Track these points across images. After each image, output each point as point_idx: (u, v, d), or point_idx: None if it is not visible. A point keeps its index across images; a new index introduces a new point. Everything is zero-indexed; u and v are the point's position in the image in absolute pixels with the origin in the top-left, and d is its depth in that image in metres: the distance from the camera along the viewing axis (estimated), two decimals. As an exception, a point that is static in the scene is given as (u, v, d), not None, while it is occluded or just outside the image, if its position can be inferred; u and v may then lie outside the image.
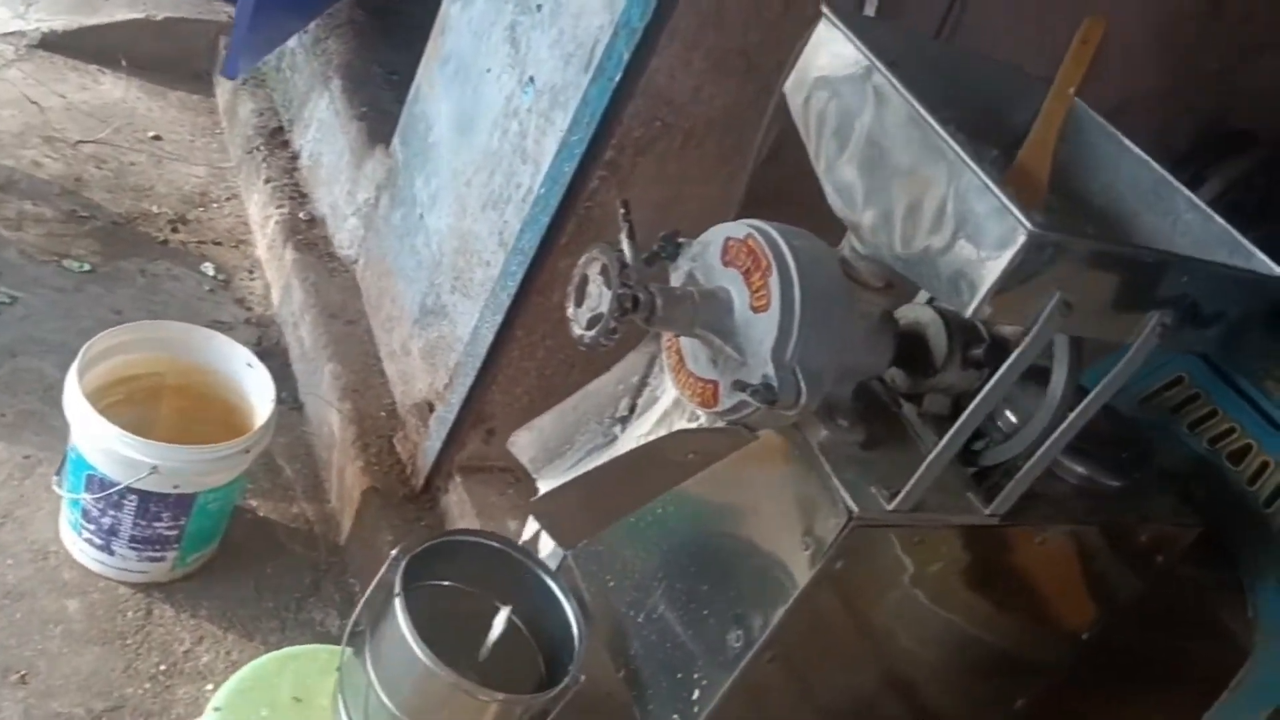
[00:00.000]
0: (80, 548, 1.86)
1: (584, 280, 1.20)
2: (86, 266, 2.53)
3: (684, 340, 1.31)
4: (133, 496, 1.73)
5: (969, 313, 1.08)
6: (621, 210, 1.27)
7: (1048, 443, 1.29)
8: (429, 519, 2.05)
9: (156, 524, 1.78)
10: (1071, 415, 1.26)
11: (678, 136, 1.72)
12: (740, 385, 1.17)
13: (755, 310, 1.21)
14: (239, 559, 2.01)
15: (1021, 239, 1.03)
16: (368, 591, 1.52)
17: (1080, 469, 1.57)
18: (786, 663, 1.41)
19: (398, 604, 1.44)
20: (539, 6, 1.89)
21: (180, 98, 3.33)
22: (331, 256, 2.63)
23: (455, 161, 2.14)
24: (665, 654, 1.57)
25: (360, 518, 2.07)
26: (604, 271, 1.17)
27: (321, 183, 2.78)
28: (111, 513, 1.76)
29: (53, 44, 3.22)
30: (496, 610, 1.66)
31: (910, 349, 1.41)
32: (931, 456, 1.23)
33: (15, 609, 1.78)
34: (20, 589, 1.80)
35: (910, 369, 1.44)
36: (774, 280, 1.19)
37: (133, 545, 1.81)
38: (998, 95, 1.49)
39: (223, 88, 3.31)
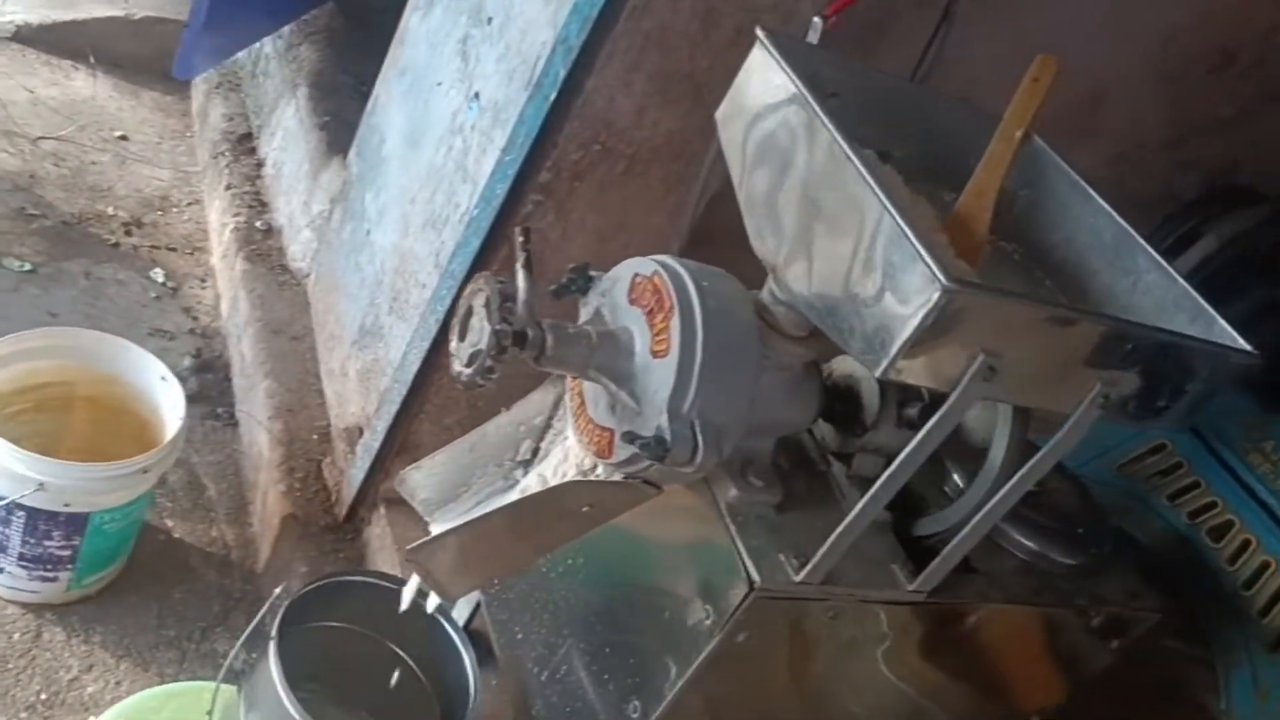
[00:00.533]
0: (-31, 563, 1.75)
1: (468, 312, 1.09)
2: (27, 266, 2.44)
3: (586, 384, 1.20)
4: (20, 513, 1.63)
5: (879, 372, 0.97)
6: (520, 238, 1.16)
7: (977, 517, 1.18)
8: (349, 551, 1.93)
9: (47, 542, 1.67)
10: (1002, 490, 1.15)
11: (619, 162, 1.62)
12: (630, 437, 1.07)
13: (655, 355, 1.10)
14: (144, 582, 1.90)
15: (935, 294, 0.92)
16: (247, 630, 1.41)
17: (1030, 544, 1.46)
18: (686, 739, 1.29)
19: (271, 650, 1.33)
20: (490, 20, 1.79)
21: (154, 98, 3.25)
22: (284, 269, 2.53)
23: (403, 177, 2.05)
24: (565, 717, 1.45)
25: (278, 546, 1.96)
26: (487, 304, 1.06)
27: (281, 192, 2.70)
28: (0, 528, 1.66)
29: (26, 37, 3.15)
30: (391, 654, 1.55)
31: (840, 404, 1.30)
32: (842, 526, 1.12)
33: (-108, 624, 1.67)
34: (-102, 605, 1.70)
35: (840, 426, 1.33)
36: (675, 324, 1.08)
37: (22, 564, 1.70)
38: (956, 135, 1.39)
39: (197, 90, 3.23)
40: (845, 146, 1.03)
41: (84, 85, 3.15)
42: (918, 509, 1.36)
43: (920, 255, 0.93)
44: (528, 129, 1.57)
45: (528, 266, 1.15)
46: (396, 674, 1.51)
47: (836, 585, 1.20)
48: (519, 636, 1.60)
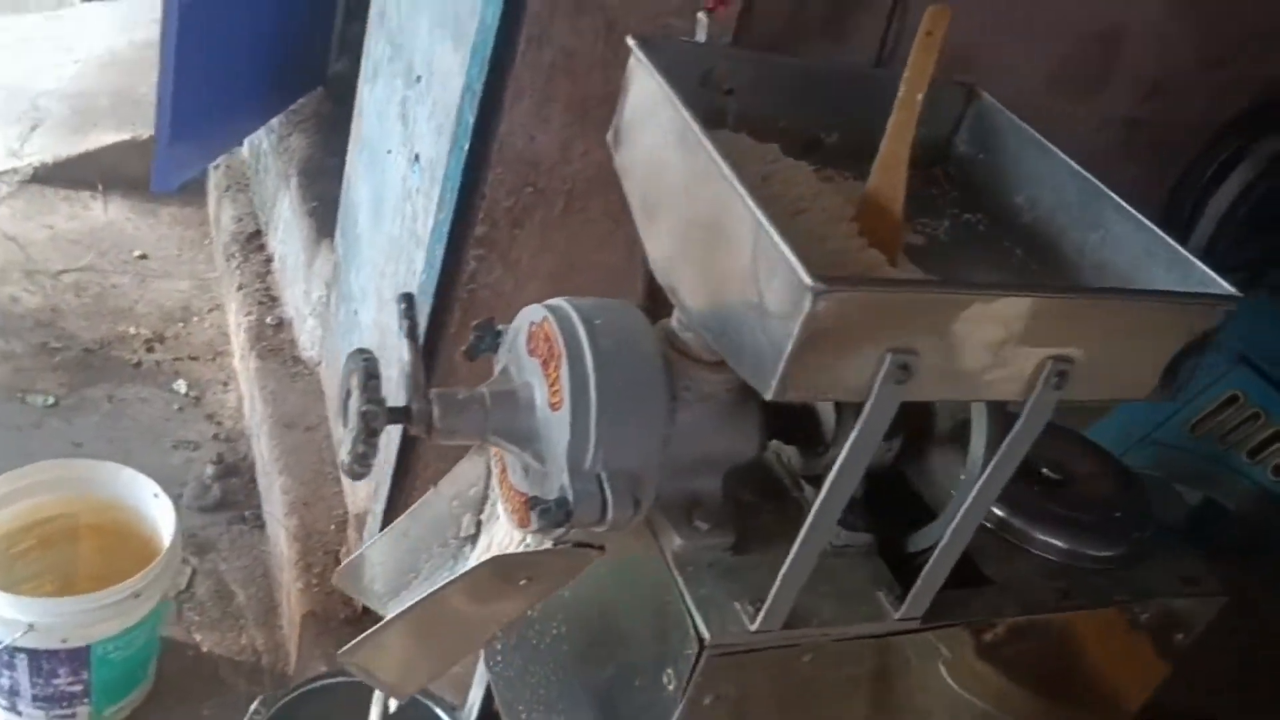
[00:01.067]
0: (-8, 710, 1.75)
1: (347, 394, 1.01)
2: (50, 400, 2.48)
3: (504, 447, 1.11)
4: (21, 655, 1.61)
5: (770, 395, 0.85)
6: (401, 305, 1.08)
7: (949, 529, 1.04)
8: (370, 642, 1.87)
9: (55, 680, 1.65)
10: (969, 498, 1.01)
11: (557, 201, 1.54)
12: (533, 503, 0.97)
13: (553, 409, 1.00)
14: (172, 702, 1.88)
15: (806, 299, 0.80)
16: (228, 753, 1.35)
17: (1057, 541, 1.31)
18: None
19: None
20: (419, 78, 1.74)
21: (171, 213, 3.31)
22: (296, 360, 2.52)
23: (372, 251, 2.00)
24: (570, 802, 1.35)
25: (301, 645, 1.91)
26: (358, 384, 0.98)
27: (287, 284, 2.69)
28: (7, 673, 1.65)
29: (44, 176, 3.25)
30: (393, 756, 1.48)
31: (797, 424, 1.18)
32: (787, 565, 1.00)
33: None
34: (-74, 760, 1.70)
35: (801, 447, 1.21)
36: (564, 371, 0.98)
37: (38, 705, 1.69)
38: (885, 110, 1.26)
39: (210, 196, 3.28)
40: (710, 145, 0.92)
41: (102, 212, 3.23)
42: (913, 523, 1.23)
43: (785, 256, 0.81)
44: (454, 183, 1.50)
45: (411, 336, 1.07)
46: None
47: (806, 626, 1.07)
48: (522, 715, 1.50)
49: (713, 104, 1.16)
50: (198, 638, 2.01)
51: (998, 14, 2.40)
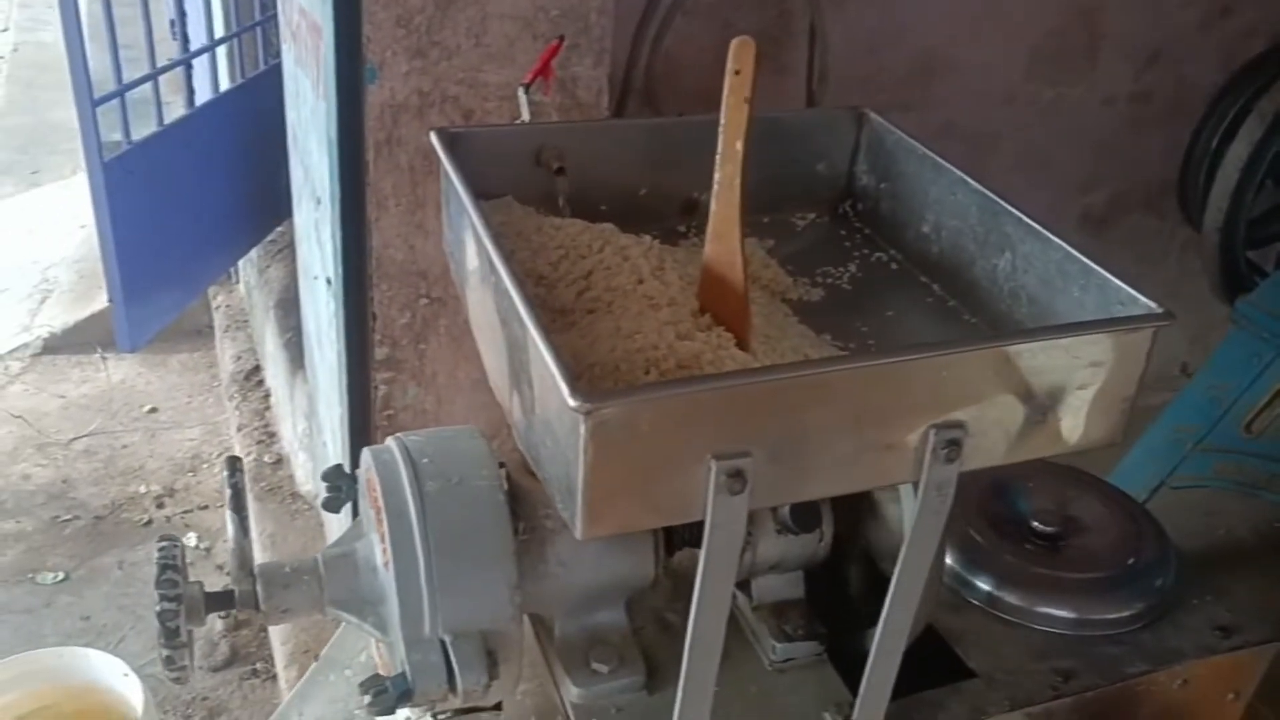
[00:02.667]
0: None
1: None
2: (60, 575, 2.44)
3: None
4: None
5: (580, 534, 0.71)
6: (226, 472, 0.97)
7: (876, 640, 0.88)
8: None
9: None
10: (889, 595, 0.85)
11: (459, 309, 1.42)
12: (365, 686, 0.83)
13: (386, 568, 0.87)
14: None
15: (581, 424, 0.66)
16: None
17: (1060, 612, 1.12)
18: None
19: None
20: (319, 200, 1.66)
21: (181, 360, 3.30)
22: (295, 496, 2.44)
23: (324, 379, 1.92)
24: None
25: (307, 809, 1.79)
26: (155, 581, 0.86)
27: (281, 419, 2.63)
28: None
29: (55, 346, 3.28)
30: None
31: (701, 530, 1.02)
32: (678, 706, 0.84)
33: None
34: None
35: (718, 551, 1.05)
36: (386, 524, 0.85)
37: None
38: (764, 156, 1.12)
39: (217, 336, 3.27)
40: (484, 232, 0.80)
41: (113, 371, 3.24)
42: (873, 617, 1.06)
43: (550, 370, 0.67)
44: (343, 305, 1.40)
45: (235, 507, 0.96)
46: None
47: (737, 769, 0.91)
48: None
49: (549, 187, 1.04)
50: (207, 811, 1.91)
51: (969, 13, 2.24)
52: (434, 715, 0.92)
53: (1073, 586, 1.13)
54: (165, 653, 0.85)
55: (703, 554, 0.75)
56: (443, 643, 0.84)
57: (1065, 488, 1.26)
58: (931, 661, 1.08)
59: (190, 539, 2.58)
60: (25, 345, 3.27)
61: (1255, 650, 1.12)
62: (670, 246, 1.02)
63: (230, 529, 0.94)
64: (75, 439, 2.92)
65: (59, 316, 3.35)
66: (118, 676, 1.72)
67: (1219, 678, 1.13)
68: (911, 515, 0.87)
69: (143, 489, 2.74)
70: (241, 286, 3.25)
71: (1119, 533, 1.21)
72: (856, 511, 1.06)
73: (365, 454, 0.94)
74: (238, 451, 2.71)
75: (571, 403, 0.65)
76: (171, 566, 0.86)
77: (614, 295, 0.91)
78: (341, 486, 1.02)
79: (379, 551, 0.90)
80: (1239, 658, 1.11)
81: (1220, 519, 1.82)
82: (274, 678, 2.18)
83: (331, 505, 1.04)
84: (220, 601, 0.90)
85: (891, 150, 1.13)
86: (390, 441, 0.93)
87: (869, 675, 0.91)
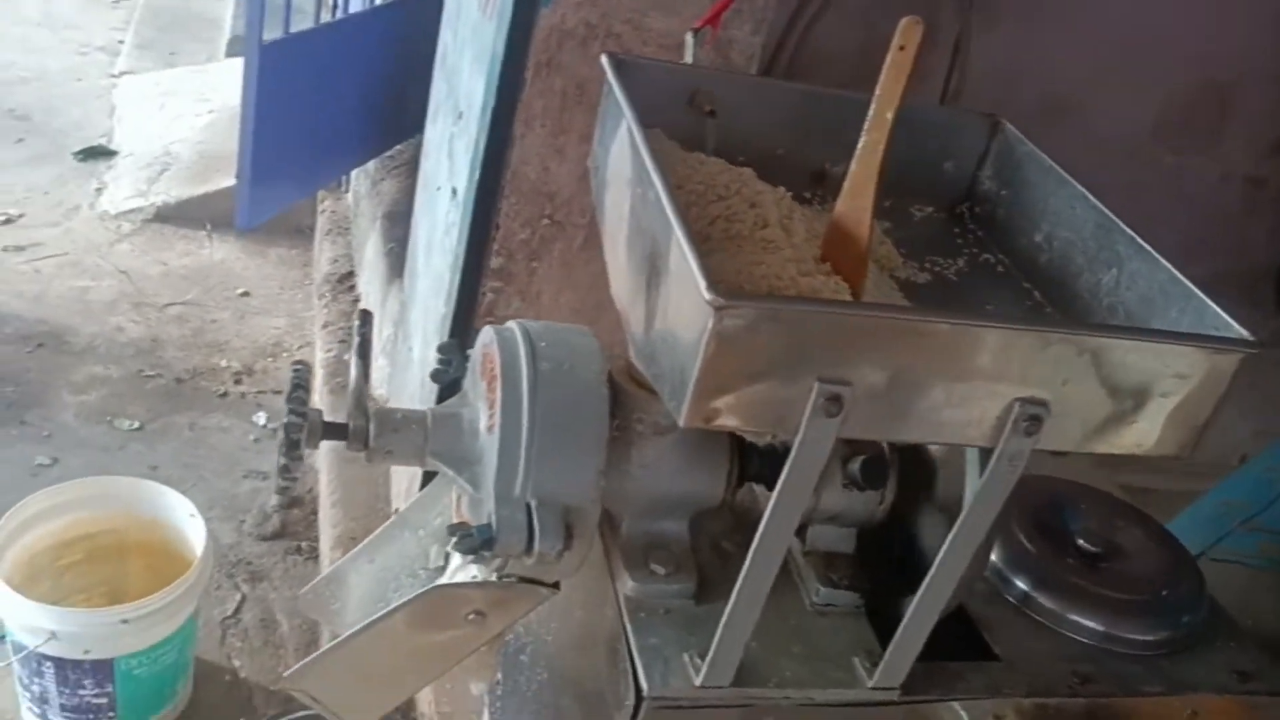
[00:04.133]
0: (27, 717, 1.79)
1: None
2: (136, 424, 2.58)
3: (459, 474, 1.07)
4: (49, 663, 1.65)
5: (682, 420, 0.79)
6: (356, 322, 1.06)
7: (919, 594, 0.94)
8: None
9: (81, 691, 1.68)
10: (937, 560, 0.91)
11: (576, 236, 1.51)
12: (453, 529, 0.92)
13: (489, 432, 0.96)
14: (202, 726, 1.88)
15: (709, 317, 0.73)
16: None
17: (1090, 623, 1.17)
18: None
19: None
20: (460, 114, 1.75)
21: (279, 254, 3.44)
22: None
23: (423, 287, 2.02)
24: None
25: (330, 679, 1.89)
26: (285, 395, 0.96)
27: (367, 323, 2.74)
28: (37, 680, 1.68)
29: (166, 216, 3.44)
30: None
31: (771, 469, 1.09)
32: (727, 615, 0.92)
33: (-43, 784, 1.72)
34: (-39, 762, 1.75)
35: (783, 493, 1.12)
36: (499, 394, 0.94)
37: (65, 714, 1.72)
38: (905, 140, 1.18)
39: (316, 239, 3.40)
40: (648, 155, 0.87)
41: (214, 251, 3.38)
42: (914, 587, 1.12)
43: (691, 268, 0.75)
44: (471, 213, 1.49)
45: (361, 353, 1.05)
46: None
47: (764, 685, 0.98)
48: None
49: (697, 128, 1.11)
50: (237, 663, 2.02)
51: (1099, 59, 2.28)
52: (499, 575, 1.00)
53: (1105, 603, 1.18)
54: (283, 462, 0.94)
55: (785, 469, 0.83)
56: (529, 506, 0.92)
57: (1116, 517, 1.31)
58: (958, 644, 1.14)
59: (260, 418, 2.70)
60: (139, 210, 3.43)
61: (1269, 699, 1.16)
62: (797, 204, 1.10)
63: (353, 372, 1.03)
64: (170, 305, 3.07)
65: (174, 190, 3.51)
66: (185, 516, 1.83)
67: (1227, 716, 1.17)
68: (976, 482, 0.94)
69: (224, 363, 2.88)
70: (350, 196, 3.38)
71: (1157, 565, 1.26)
72: (916, 486, 1.13)
73: (487, 330, 1.02)
74: (319, 348, 2.83)
75: (706, 297, 0.73)
76: (302, 387, 0.96)
77: (743, 234, 0.98)
78: (452, 361, 1.11)
79: (484, 417, 0.98)
80: (1252, 701, 1.16)
81: (1256, 596, 1.85)
82: (316, 558, 2.29)
83: (438, 376, 1.12)
84: (335, 432, 0.99)
85: (1020, 160, 1.18)
86: (512, 323, 1.01)
87: (903, 629, 0.98)
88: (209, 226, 3.41)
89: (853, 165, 0.95)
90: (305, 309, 3.18)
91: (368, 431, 0.99)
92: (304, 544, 2.33)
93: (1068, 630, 1.17)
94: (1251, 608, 1.51)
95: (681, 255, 0.77)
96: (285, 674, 1.09)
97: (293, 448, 0.93)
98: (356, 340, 1.06)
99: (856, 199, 0.94)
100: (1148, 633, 1.17)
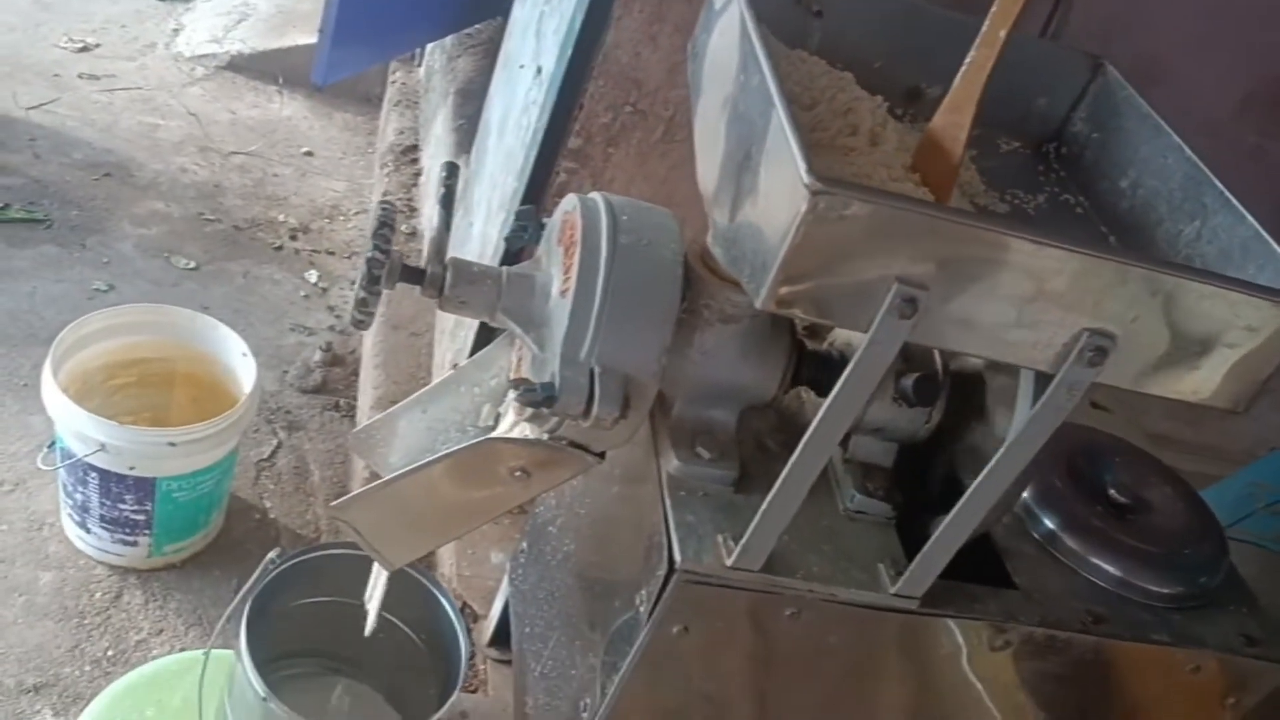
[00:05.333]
0: (66, 523, 1.87)
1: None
2: (192, 264, 2.63)
3: (524, 336, 1.09)
4: (94, 474, 1.71)
5: (760, 301, 0.81)
6: (443, 173, 1.08)
7: (954, 511, 0.97)
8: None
9: (121, 505, 1.75)
10: (978, 479, 0.93)
11: (657, 126, 1.51)
12: (517, 384, 0.95)
13: (562, 295, 0.98)
14: (231, 558, 1.95)
15: (803, 200, 0.75)
16: (236, 599, 1.39)
17: (1110, 567, 1.20)
18: (640, 749, 1.14)
19: (244, 618, 1.31)
20: (554, -7, 1.74)
21: (345, 119, 3.45)
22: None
23: (491, 164, 2.03)
24: (544, 719, 1.33)
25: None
26: (371, 231, 0.98)
27: (426, 197, 2.76)
28: (81, 489, 1.75)
29: (239, 65, 3.44)
30: (392, 628, 1.50)
31: (829, 376, 1.11)
32: (769, 499, 0.95)
33: (-10, 573, 1.80)
34: (2, 555, 1.83)
35: (832, 400, 1.14)
36: (577, 259, 0.96)
37: (104, 525, 1.79)
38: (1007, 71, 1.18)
39: (383, 108, 3.40)
40: (753, 31, 0.88)
41: (283, 107, 3.40)
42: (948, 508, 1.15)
43: (791, 148, 0.76)
44: (554, 90, 1.49)
45: (445, 203, 1.07)
46: (382, 636, 1.45)
47: (791, 575, 1.02)
48: (527, 630, 1.50)
49: (801, 28, 1.11)
50: (268, 504, 2.09)
51: (1186, 29, 2.22)
52: (550, 434, 1.03)
53: (1127, 551, 1.20)
54: (361, 295, 0.97)
55: (850, 365, 0.84)
56: (592, 371, 0.94)
57: (1151, 475, 1.33)
58: (978, 569, 1.17)
59: (311, 276, 2.74)
60: (213, 55, 3.44)
61: (1271, 665, 1.19)
62: (890, 117, 1.10)
63: (436, 221, 1.05)
64: (235, 153, 3.10)
65: (249, 40, 3.51)
66: (237, 354, 1.88)
67: (1228, 677, 1.20)
68: (1027, 408, 0.95)
69: (281, 217, 2.91)
70: (422, 70, 3.37)
71: (1183, 524, 1.28)
72: (964, 412, 1.15)
73: (571, 197, 1.04)
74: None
75: (805, 180, 0.74)
76: (389, 225, 0.98)
77: (835, 136, 0.99)
78: (528, 227, 1.13)
79: (557, 282, 1.01)
80: (1254, 666, 1.18)
81: (1269, 579, 1.86)
82: (353, 416, 2.35)
83: (513, 241, 1.15)
84: (413, 276, 1.02)
85: (1119, 105, 1.18)
86: (595, 194, 1.03)
87: (932, 543, 1.01)
88: (280, 81, 3.42)
89: (956, 80, 0.95)
90: (365, 176, 3.20)
91: (444, 280, 1.02)
92: (342, 401, 2.38)
93: (1087, 572, 1.20)
94: (1263, 590, 1.54)
95: (783, 138, 0.78)
96: (332, 503, 1.14)
97: (373, 282, 0.96)
98: (441, 191, 1.08)
99: (955, 114, 0.94)
100: (1164, 585, 1.20)
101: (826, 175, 0.74)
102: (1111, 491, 1.28)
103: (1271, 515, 1.90)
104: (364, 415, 2.20)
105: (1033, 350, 0.85)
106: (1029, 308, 0.82)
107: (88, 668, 1.72)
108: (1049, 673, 1.17)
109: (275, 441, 2.23)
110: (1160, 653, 1.16)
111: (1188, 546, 1.26)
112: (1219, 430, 2.94)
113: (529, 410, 0.99)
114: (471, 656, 1.43)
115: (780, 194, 0.78)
